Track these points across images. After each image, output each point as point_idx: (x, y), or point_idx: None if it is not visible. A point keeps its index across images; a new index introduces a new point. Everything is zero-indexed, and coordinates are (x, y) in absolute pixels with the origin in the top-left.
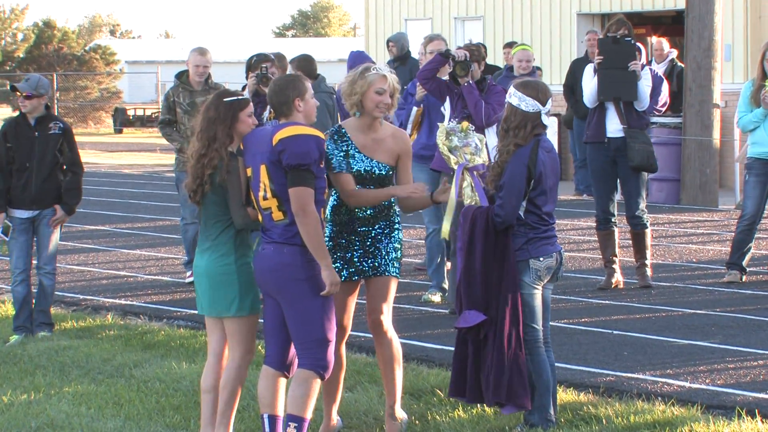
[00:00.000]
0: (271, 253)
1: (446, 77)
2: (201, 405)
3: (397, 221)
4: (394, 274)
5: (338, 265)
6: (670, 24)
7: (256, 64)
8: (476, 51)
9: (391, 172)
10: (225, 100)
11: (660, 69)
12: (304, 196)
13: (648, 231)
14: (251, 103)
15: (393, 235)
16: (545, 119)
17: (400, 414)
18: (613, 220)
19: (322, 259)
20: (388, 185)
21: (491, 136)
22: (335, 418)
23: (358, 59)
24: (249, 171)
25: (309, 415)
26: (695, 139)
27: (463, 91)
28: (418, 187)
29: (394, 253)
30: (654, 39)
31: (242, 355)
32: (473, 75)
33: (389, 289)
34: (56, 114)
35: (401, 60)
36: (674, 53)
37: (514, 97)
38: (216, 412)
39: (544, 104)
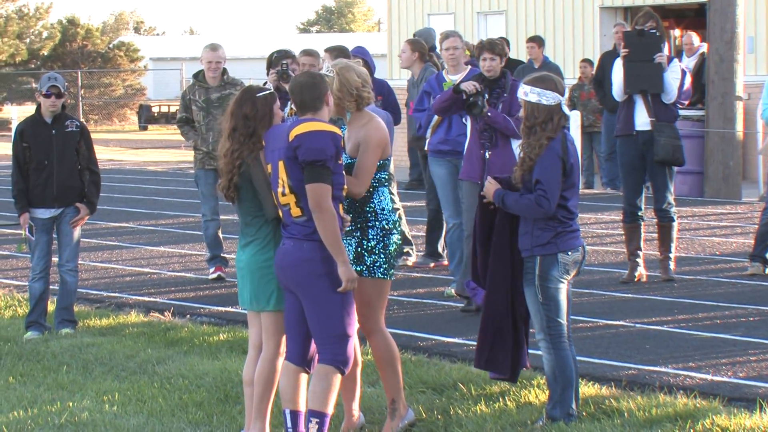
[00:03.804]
0: (291, 248)
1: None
2: (244, 398)
3: (371, 221)
4: (366, 275)
5: None
6: (693, 17)
7: (276, 60)
8: (500, 46)
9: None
10: (259, 96)
11: (690, 62)
12: (320, 193)
13: (675, 224)
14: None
15: (369, 234)
16: (565, 109)
17: (403, 411)
18: (639, 213)
19: (338, 256)
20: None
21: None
22: (357, 413)
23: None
24: (269, 167)
25: (330, 410)
26: (718, 131)
27: (488, 122)
28: None
29: (367, 256)
30: (677, 32)
31: (275, 349)
32: (494, 70)
33: (364, 291)
34: (81, 111)
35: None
36: (704, 47)
37: (532, 94)
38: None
39: (562, 94)
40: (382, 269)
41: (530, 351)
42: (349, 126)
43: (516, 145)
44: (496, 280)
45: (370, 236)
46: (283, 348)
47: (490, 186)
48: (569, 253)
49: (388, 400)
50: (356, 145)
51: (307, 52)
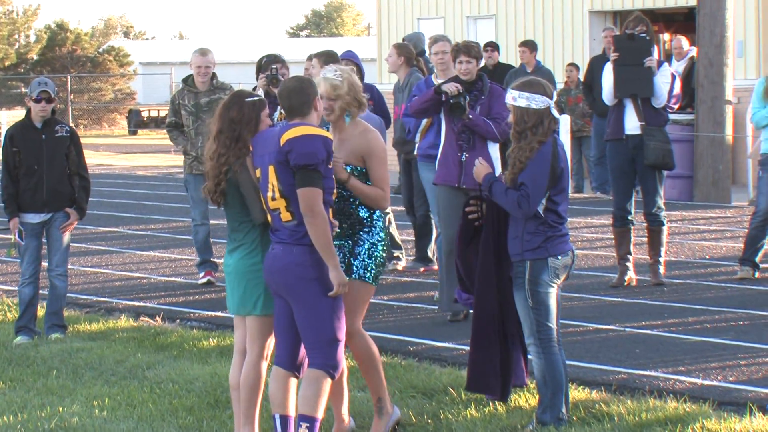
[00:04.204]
0: (280, 253)
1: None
2: (232, 403)
3: (366, 227)
4: (355, 277)
5: None
6: (683, 21)
7: (266, 65)
8: (476, 49)
9: (355, 172)
10: (247, 100)
11: (679, 66)
12: (312, 197)
13: (664, 228)
14: (267, 104)
15: (362, 238)
16: (554, 112)
17: (390, 408)
18: (629, 217)
19: (329, 260)
20: (355, 183)
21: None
22: (347, 418)
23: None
24: (258, 172)
25: (320, 414)
26: (708, 135)
27: (469, 125)
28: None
29: (359, 258)
30: (666, 36)
31: (259, 353)
32: (471, 73)
33: (351, 294)
34: (71, 116)
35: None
36: (693, 50)
37: (521, 99)
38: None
39: (551, 97)
40: (370, 274)
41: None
42: (342, 131)
43: (493, 148)
44: (482, 298)
45: (361, 241)
46: (267, 352)
47: (482, 168)
48: (559, 257)
49: (374, 399)
50: (354, 153)
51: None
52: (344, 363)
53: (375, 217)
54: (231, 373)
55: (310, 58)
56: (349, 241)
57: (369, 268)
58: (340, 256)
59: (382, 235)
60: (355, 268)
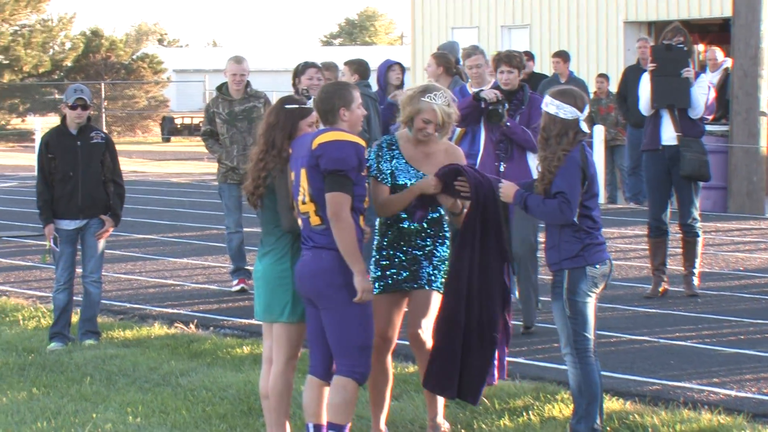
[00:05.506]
0: (309, 259)
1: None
2: (264, 411)
3: (445, 236)
4: (436, 288)
5: (379, 274)
6: (718, 32)
7: (303, 69)
8: (518, 58)
9: None
10: (286, 106)
11: (714, 78)
12: (339, 202)
13: (700, 239)
14: (314, 113)
15: (438, 249)
16: (583, 126)
17: (443, 424)
18: (664, 228)
19: (354, 265)
20: (435, 200)
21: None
22: (383, 428)
23: (381, 68)
24: (292, 175)
25: (349, 421)
26: (742, 146)
27: (507, 132)
28: (430, 180)
29: (437, 268)
30: (701, 47)
31: (286, 361)
32: (512, 83)
33: (429, 303)
34: (104, 123)
35: None
36: (728, 62)
37: (551, 105)
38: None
39: (581, 110)
40: (440, 283)
41: (532, 361)
42: (429, 146)
43: (532, 159)
44: (452, 287)
45: (443, 253)
46: (295, 360)
47: (509, 188)
48: (597, 266)
49: (434, 412)
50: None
51: (327, 66)
52: (390, 371)
53: (445, 227)
54: (260, 382)
55: (326, 68)
56: (425, 251)
57: (438, 278)
58: (412, 258)
59: (446, 243)
60: (428, 278)
